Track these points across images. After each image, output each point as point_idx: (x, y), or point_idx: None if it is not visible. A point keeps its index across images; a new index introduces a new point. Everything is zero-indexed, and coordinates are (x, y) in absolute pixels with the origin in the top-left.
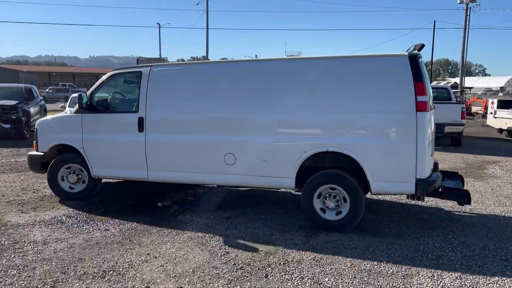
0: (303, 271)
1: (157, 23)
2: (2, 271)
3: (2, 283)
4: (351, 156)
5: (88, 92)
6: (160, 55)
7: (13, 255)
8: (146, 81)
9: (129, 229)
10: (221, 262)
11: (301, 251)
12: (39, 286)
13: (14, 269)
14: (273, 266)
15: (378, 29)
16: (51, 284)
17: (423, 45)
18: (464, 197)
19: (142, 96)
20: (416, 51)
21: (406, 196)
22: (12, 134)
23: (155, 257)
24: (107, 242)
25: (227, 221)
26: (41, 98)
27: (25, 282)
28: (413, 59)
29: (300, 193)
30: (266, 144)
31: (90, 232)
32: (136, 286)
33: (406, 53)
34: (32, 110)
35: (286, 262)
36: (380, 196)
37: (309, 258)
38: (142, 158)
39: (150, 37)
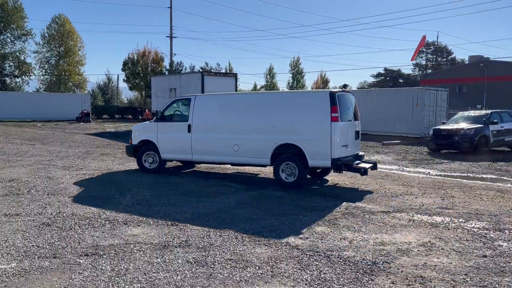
0: None
1: None
2: None
3: None
4: (299, 146)
5: (161, 110)
6: None
7: None
8: (193, 104)
9: None
10: None
11: None
12: None
13: None
14: None
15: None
16: None
17: (346, 85)
18: (361, 171)
19: (190, 112)
20: (338, 89)
21: (332, 170)
22: None
23: None
24: None
25: None
26: None
27: None
28: (331, 94)
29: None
30: (255, 139)
31: None
32: None
33: (328, 90)
34: None
35: None
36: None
37: None
38: (189, 147)
39: None
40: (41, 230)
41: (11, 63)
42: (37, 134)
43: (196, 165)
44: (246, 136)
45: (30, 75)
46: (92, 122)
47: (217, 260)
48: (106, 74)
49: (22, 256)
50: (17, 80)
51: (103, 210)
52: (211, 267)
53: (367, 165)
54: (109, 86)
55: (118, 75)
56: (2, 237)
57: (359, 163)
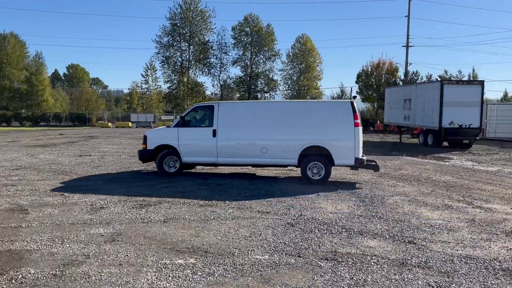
0: None
1: None
2: None
3: None
4: (325, 147)
5: (182, 115)
6: None
7: None
8: (217, 111)
9: None
10: None
11: None
12: None
13: None
14: None
15: None
16: None
17: (355, 96)
18: (374, 168)
19: (215, 118)
20: (352, 99)
21: (350, 168)
22: None
23: None
24: None
25: None
26: None
27: None
28: (351, 103)
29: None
30: (284, 143)
31: None
32: None
33: (350, 100)
34: None
35: None
36: None
37: None
38: (214, 150)
39: None
40: (287, 229)
41: (262, 81)
42: None
43: (194, 167)
44: (275, 140)
45: (276, 91)
46: None
47: None
48: (339, 87)
49: (272, 250)
50: (266, 95)
51: (340, 218)
52: None
53: (374, 163)
54: (343, 99)
55: (351, 88)
56: (257, 231)
57: (367, 161)
